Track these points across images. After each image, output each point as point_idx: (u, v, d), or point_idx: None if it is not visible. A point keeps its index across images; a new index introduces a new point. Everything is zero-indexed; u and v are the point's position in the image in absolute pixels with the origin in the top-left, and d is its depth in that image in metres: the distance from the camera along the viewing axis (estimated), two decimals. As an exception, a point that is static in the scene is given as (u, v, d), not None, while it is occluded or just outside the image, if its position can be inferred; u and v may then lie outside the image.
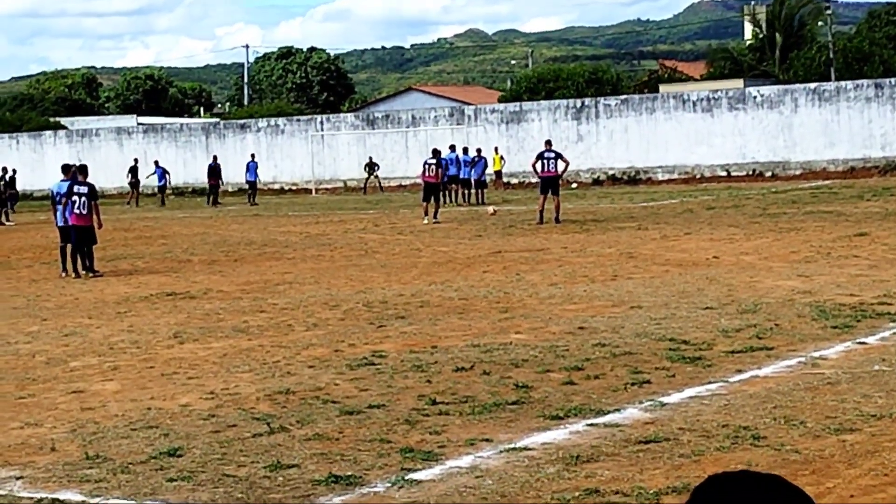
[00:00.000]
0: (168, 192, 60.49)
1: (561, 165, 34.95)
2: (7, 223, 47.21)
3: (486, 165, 50.71)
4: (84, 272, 24.74)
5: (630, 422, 10.10)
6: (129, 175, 59.89)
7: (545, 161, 34.36)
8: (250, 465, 9.15)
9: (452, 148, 48.36)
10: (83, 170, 25.81)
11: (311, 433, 10.09)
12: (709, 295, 17.62)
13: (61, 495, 8.58)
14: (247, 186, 57.09)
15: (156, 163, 60.83)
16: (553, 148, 35.81)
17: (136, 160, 61.90)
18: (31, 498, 8.55)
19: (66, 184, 25.25)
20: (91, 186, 25.17)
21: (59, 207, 25.19)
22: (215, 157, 59.64)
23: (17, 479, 9.10)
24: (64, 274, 24.98)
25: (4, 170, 51.84)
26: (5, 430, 10.76)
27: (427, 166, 37.46)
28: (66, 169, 25.97)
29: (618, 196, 47.37)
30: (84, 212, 24.77)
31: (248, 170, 56.95)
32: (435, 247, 28.38)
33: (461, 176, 48.05)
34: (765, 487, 2.20)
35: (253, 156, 59.19)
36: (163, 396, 11.98)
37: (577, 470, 8.70)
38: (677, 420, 10.07)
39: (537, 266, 22.98)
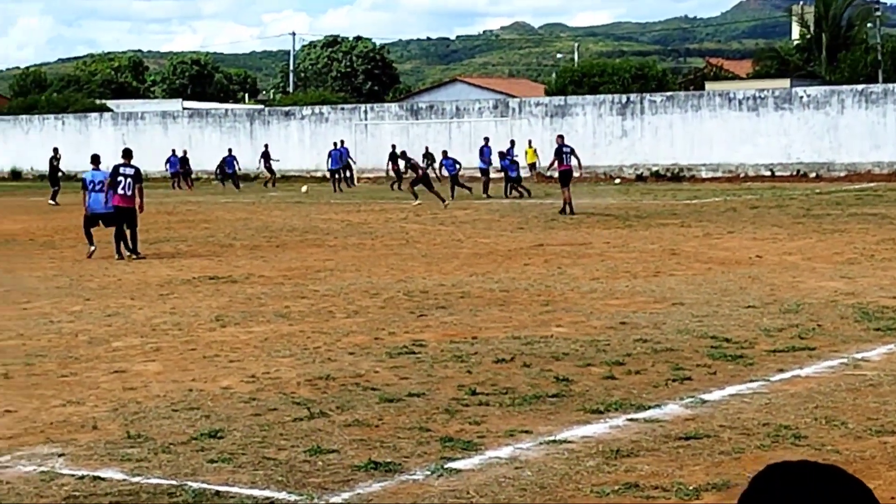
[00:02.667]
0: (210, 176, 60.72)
1: (574, 160, 37.06)
2: (51, 203, 47.46)
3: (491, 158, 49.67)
4: (128, 254, 24.88)
5: (670, 418, 10.08)
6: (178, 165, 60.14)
7: (565, 155, 36.43)
8: (290, 449, 9.18)
9: (486, 141, 48.30)
10: (128, 153, 26.00)
11: (350, 419, 10.12)
12: (751, 294, 17.55)
13: (102, 473, 8.63)
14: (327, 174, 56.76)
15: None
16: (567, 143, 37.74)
17: (184, 151, 62.11)
18: (73, 475, 8.60)
19: (98, 173, 25.76)
20: (136, 169, 25.38)
21: (91, 194, 25.49)
22: (266, 145, 60.20)
23: (59, 456, 9.16)
24: (93, 248, 25.33)
25: (56, 150, 52.12)
26: (48, 408, 10.84)
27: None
28: (126, 153, 26.09)
29: (661, 193, 47.20)
30: (129, 193, 24.97)
31: (330, 157, 56.28)
32: (476, 238, 28.37)
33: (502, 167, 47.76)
34: (825, 478, 2.19)
35: (343, 142, 58.37)
36: (204, 378, 12.04)
37: (616, 464, 8.69)
38: (718, 417, 10.04)
39: (579, 260, 22.95)
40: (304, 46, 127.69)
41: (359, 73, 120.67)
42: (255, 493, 8.12)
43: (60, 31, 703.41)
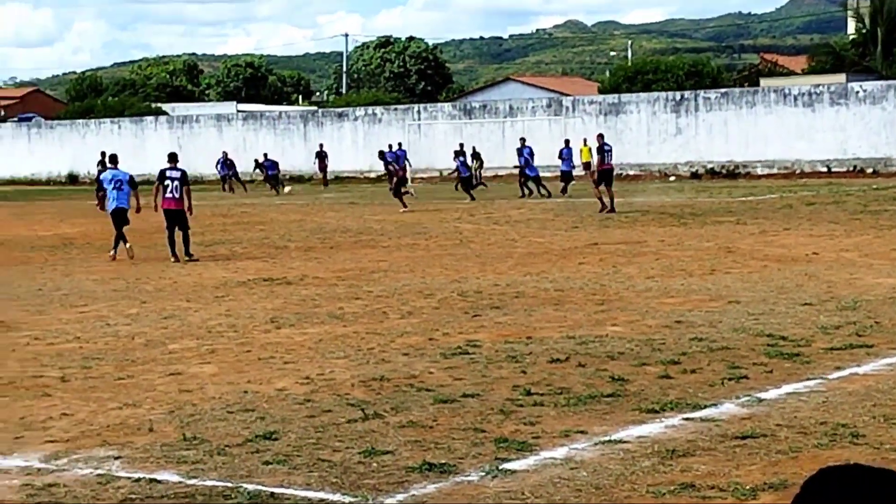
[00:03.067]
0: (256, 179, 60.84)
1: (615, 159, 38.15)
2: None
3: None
4: (185, 257, 25.02)
5: (726, 417, 10.00)
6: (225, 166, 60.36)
7: (606, 154, 36.85)
8: (345, 451, 9.19)
9: (523, 141, 48.00)
10: (173, 156, 26.14)
11: (405, 420, 10.11)
12: (808, 291, 17.41)
13: (158, 475, 8.67)
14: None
15: (265, 156, 60.84)
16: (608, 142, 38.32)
17: (224, 153, 62.30)
18: (129, 478, 8.65)
19: (113, 172, 26.20)
20: (183, 172, 25.54)
21: (114, 193, 25.92)
22: (321, 145, 60.50)
23: (116, 458, 9.20)
24: (113, 254, 25.88)
25: (103, 154, 52.37)
26: (105, 410, 10.90)
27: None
28: (172, 157, 26.23)
29: (716, 190, 46.93)
30: (177, 196, 25.16)
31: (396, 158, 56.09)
32: (531, 237, 28.32)
33: (563, 168, 47.32)
34: (878, 481, 2.15)
35: (400, 144, 58.30)
36: (259, 380, 12.07)
37: (672, 464, 8.63)
38: (774, 416, 9.95)
39: (634, 259, 22.85)
40: (357, 47, 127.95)
41: (412, 74, 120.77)
42: (310, 494, 8.13)
43: (115, 35, 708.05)
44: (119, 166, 26.40)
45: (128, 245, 25.58)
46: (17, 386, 12.16)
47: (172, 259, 24.90)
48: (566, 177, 46.91)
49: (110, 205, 25.97)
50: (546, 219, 34.22)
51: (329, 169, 62.25)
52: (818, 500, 2.17)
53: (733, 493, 7.94)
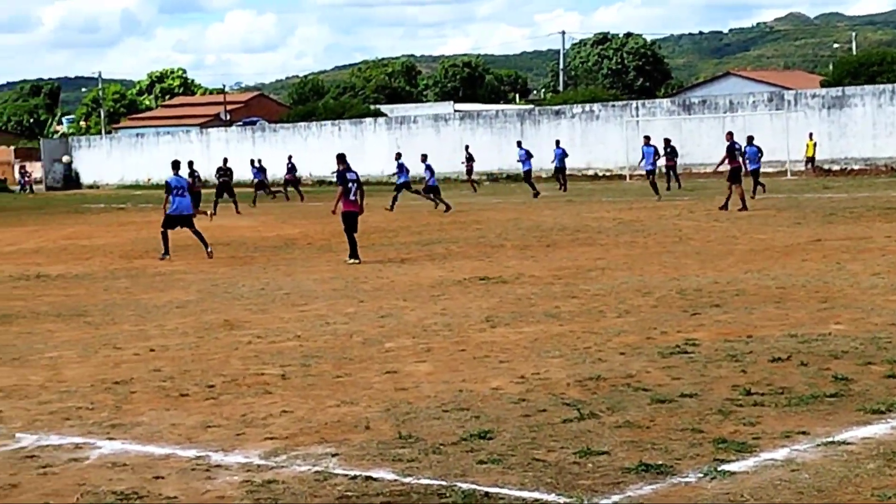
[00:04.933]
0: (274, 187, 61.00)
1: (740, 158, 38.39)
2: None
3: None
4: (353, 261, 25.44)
5: (958, 419, 9.60)
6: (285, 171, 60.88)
7: (735, 152, 37.14)
8: (560, 451, 9.10)
9: (647, 140, 47.09)
10: (343, 157, 26.29)
11: (621, 420, 9.97)
12: None
13: (374, 473, 8.71)
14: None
15: (251, 162, 60.71)
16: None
17: (289, 157, 62.87)
18: (346, 475, 8.71)
19: (177, 178, 28.05)
20: (357, 174, 26.01)
21: (174, 199, 27.64)
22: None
23: (333, 455, 9.28)
24: (166, 257, 27.59)
25: (225, 161, 53.06)
26: (323, 408, 11.02)
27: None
28: (342, 158, 26.36)
29: (946, 183, 45.38)
30: (356, 198, 25.46)
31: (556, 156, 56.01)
32: (752, 234, 27.77)
33: (749, 167, 46.09)
34: None
35: (558, 142, 58.29)
36: (474, 379, 12.06)
37: (899, 467, 8.32)
38: None
39: (859, 255, 22.21)
40: (574, 45, 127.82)
41: (629, 70, 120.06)
42: (525, 494, 8.06)
43: (337, 38, 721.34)
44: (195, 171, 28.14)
45: (167, 255, 27.57)
46: (239, 383, 12.40)
47: (356, 261, 25.22)
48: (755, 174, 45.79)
49: (172, 210, 27.86)
50: (768, 215, 33.54)
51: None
52: None
53: (965, 498, 7.59)
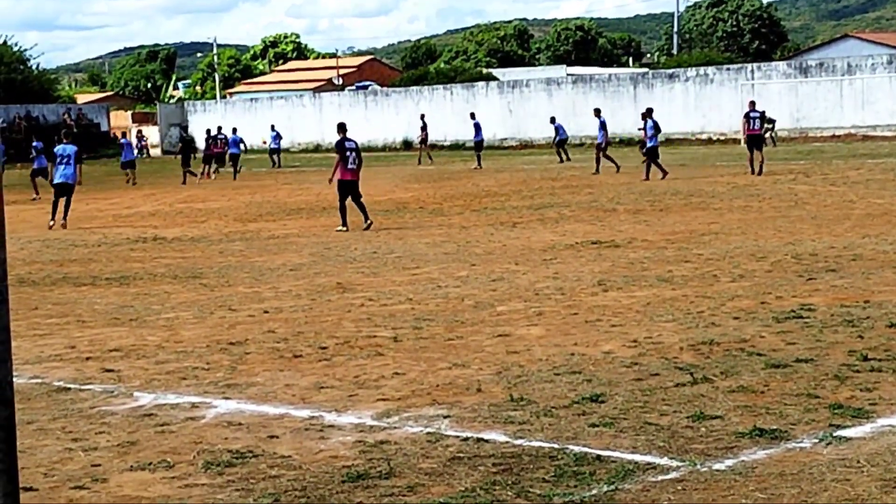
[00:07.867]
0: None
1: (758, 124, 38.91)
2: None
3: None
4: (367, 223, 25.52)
5: None
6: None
7: (751, 120, 38.07)
8: (672, 415, 9.04)
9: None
10: (343, 126, 26.28)
11: (735, 385, 9.88)
12: None
13: (486, 435, 8.72)
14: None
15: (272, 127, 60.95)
16: (758, 108, 39.57)
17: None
18: (457, 437, 8.73)
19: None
20: (356, 142, 26.16)
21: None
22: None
23: (445, 417, 9.31)
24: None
25: (219, 129, 53.71)
26: (435, 370, 11.06)
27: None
28: (342, 127, 26.35)
29: None
30: (355, 167, 25.65)
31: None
32: (870, 198, 27.33)
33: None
34: None
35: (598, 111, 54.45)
36: (586, 343, 12.02)
37: None
38: None
39: (980, 220, 21.76)
40: (688, 7, 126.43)
41: (745, 33, 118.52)
42: (637, 458, 8.02)
43: (450, 2, 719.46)
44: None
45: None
46: (351, 345, 12.48)
47: (343, 228, 25.38)
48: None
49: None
50: (886, 179, 32.98)
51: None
52: None
53: None
